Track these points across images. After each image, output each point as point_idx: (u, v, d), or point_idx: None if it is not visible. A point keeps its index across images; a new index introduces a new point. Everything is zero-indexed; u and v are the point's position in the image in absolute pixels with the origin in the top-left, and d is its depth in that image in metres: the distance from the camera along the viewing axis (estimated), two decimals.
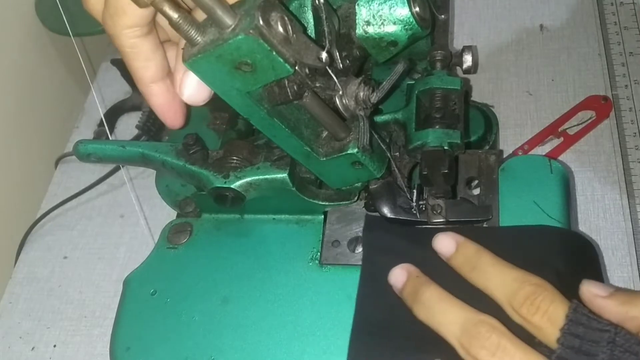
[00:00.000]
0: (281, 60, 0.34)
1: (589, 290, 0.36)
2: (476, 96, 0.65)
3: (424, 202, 0.45)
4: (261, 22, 0.33)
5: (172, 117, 0.41)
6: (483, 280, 0.38)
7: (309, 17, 0.41)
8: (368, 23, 0.44)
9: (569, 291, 0.35)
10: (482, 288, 0.38)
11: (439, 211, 0.45)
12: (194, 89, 0.37)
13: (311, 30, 0.41)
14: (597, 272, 0.42)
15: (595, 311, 0.35)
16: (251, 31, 0.32)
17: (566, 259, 0.40)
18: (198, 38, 0.34)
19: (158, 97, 0.39)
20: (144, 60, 0.37)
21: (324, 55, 0.37)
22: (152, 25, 0.37)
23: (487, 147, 0.53)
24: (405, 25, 0.44)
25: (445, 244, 0.40)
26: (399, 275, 0.41)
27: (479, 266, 0.38)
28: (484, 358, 0.34)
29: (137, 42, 0.37)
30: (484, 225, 0.44)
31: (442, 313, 0.37)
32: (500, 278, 0.37)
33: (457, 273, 0.39)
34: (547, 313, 0.34)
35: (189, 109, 0.41)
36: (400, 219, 0.45)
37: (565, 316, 0.33)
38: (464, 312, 0.36)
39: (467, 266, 0.39)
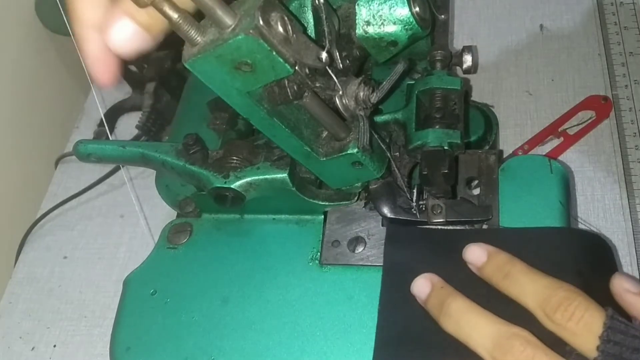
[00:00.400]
0: (281, 60, 0.34)
1: (621, 284, 0.36)
2: (476, 96, 0.65)
3: (424, 202, 0.45)
4: (261, 22, 0.33)
5: (102, 72, 0.37)
6: (515, 288, 0.37)
7: (309, 17, 0.41)
8: (368, 23, 0.44)
9: (592, 293, 0.35)
10: (514, 296, 0.37)
11: (439, 211, 0.45)
12: (124, 36, 0.34)
13: (311, 30, 0.41)
14: (614, 271, 0.42)
15: (624, 307, 0.35)
16: (251, 31, 0.32)
17: (586, 260, 0.40)
18: (198, 38, 0.34)
19: (93, 45, 0.36)
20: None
21: (324, 55, 0.37)
22: None
23: (487, 147, 0.53)
24: (405, 25, 0.44)
25: (476, 254, 0.40)
26: (423, 286, 0.40)
27: (511, 274, 0.38)
28: None
29: None
30: (503, 228, 0.44)
31: (472, 326, 0.36)
32: (532, 285, 0.36)
33: (480, 283, 0.39)
34: (582, 319, 0.34)
35: (122, 68, 0.37)
36: (400, 218, 0.45)
37: (602, 324, 0.33)
38: (496, 325, 0.36)
39: (499, 275, 0.38)
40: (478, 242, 0.41)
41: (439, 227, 0.45)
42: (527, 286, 0.37)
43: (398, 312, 0.41)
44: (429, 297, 0.39)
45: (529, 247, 0.41)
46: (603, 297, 0.36)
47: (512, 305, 0.37)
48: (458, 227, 0.45)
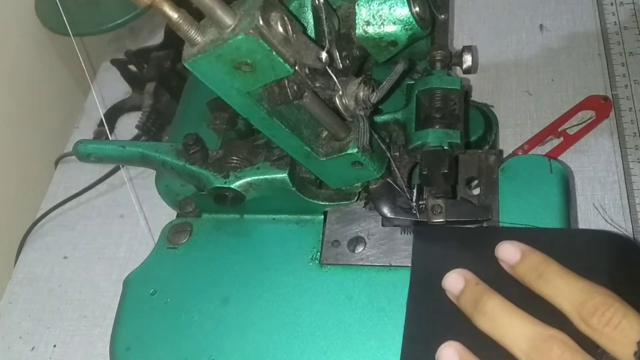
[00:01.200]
0: (281, 60, 0.34)
1: None
2: (476, 96, 0.65)
3: (424, 202, 0.45)
4: (261, 22, 0.33)
5: None
6: (548, 289, 0.37)
7: (309, 17, 0.41)
8: (368, 23, 0.44)
9: (625, 297, 0.35)
10: (547, 296, 0.37)
11: (439, 211, 0.45)
12: None
13: (311, 30, 0.41)
14: None
15: None
16: (251, 31, 0.32)
17: (619, 264, 0.40)
18: (198, 38, 0.34)
19: None
20: None
21: (323, 55, 0.37)
22: None
23: (487, 147, 0.53)
24: (405, 25, 0.44)
25: (510, 252, 0.39)
26: (456, 282, 0.39)
27: (545, 275, 0.37)
28: None
29: None
30: (536, 227, 0.44)
31: (508, 325, 0.36)
32: (567, 287, 0.36)
33: (512, 282, 0.39)
34: (619, 325, 0.33)
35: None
36: (400, 218, 0.45)
37: None
38: (533, 326, 0.35)
39: (533, 274, 0.38)
40: (511, 240, 0.40)
41: (468, 225, 0.45)
42: (562, 288, 0.36)
43: (426, 309, 0.41)
44: (463, 293, 0.39)
45: (561, 247, 0.40)
46: (635, 302, 0.35)
47: (544, 306, 0.36)
48: (489, 225, 0.44)
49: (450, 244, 0.44)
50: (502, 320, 0.36)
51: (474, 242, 0.43)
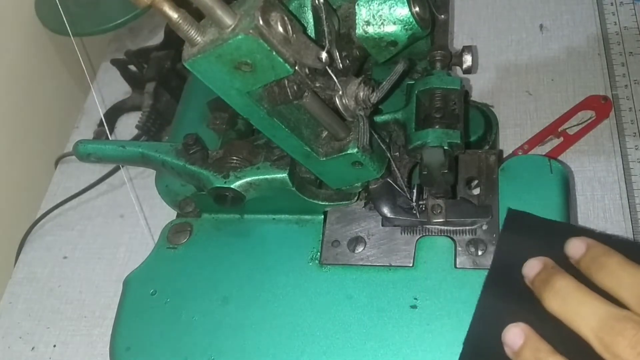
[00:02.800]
0: (281, 60, 0.34)
1: None
2: (476, 96, 0.65)
3: (424, 202, 0.45)
4: (261, 22, 0.33)
5: None
6: (610, 280, 0.36)
7: (309, 17, 0.41)
8: (368, 23, 0.44)
9: None
10: (609, 288, 0.36)
11: (439, 211, 0.45)
12: None
13: (311, 30, 0.41)
14: None
15: None
16: (251, 31, 0.32)
17: None
18: (198, 38, 0.34)
19: None
20: None
21: (323, 55, 0.37)
22: None
23: (487, 147, 0.53)
24: (405, 25, 0.44)
25: (576, 246, 0.39)
26: (534, 266, 0.39)
27: (608, 266, 0.37)
28: (626, 356, 0.32)
29: None
30: (616, 236, 0.43)
31: (579, 303, 0.35)
32: (630, 279, 0.36)
33: (580, 278, 0.38)
34: None
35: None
36: (400, 218, 0.45)
37: None
38: (606, 306, 0.34)
39: (595, 266, 0.37)
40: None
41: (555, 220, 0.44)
42: (624, 279, 0.36)
43: (500, 293, 0.41)
44: (538, 274, 0.39)
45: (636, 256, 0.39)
46: None
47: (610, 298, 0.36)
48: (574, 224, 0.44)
49: (537, 234, 0.43)
50: (574, 299, 0.36)
51: (557, 238, 0.42)
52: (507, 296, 0.40)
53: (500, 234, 0.44)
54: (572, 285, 0.37)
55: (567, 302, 0.36)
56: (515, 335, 0.37)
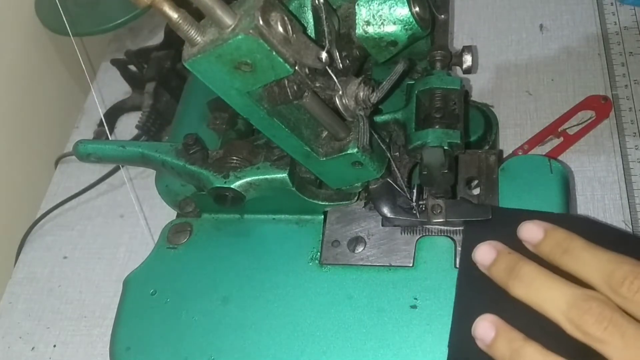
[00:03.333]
0: (281, 60, 0.34)
1: None
2: (476, 96, 0.65)
3: (424, 202, 0.45)
4: (261, 22, 0.33)
5: None
6: (575, 263, 0.37)
7: (309, 17, 0.41)
8: (368, 23, 0.44)
9: None
10: (575, 272, 0.36)
11: (439, 211, 0.45)
12: None
13: (311, 30, 0.41)
14: None
15: None
16: (251, 31, 0.33)
17: None
18: (198, 38, 0.34)
19: None
20: None
21: (323, 55, 0.37)
22: None
23: (487, 147, 0.53)
24: (405, 25, 0.44)
25: (533, 231, 0.39)
26: (487, 253, 0.39)
27: (571, 250, 0.37)
28: (595, 333, 0.33)
29: None
30: (569, 214, 0.43)
31: (546, 288, 0.36)
32: (594, 260, 0.36)
33: (537, 261, 0.38)
34: None
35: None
36: (400, 218, 0.45)
37: None
38: (571, 288, 0.35)
39: (558, 251, 0.37)
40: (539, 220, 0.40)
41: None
42: (589, 261, 0.36)
43: (469, 293, 0.41)
44: (495, 263, 0.39)
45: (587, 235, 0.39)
46: None
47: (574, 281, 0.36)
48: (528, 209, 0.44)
49: (496, 224, 0.43)
50: (540, 284, 0.36)
51: (502, 226, 0.42)
52: (476, 290, 0.40)
53: (463, 231, 0.44)
54: (536, 271, 0.37)
55: (534, 287, 0.36)
56: (485, 328, 0.37)
